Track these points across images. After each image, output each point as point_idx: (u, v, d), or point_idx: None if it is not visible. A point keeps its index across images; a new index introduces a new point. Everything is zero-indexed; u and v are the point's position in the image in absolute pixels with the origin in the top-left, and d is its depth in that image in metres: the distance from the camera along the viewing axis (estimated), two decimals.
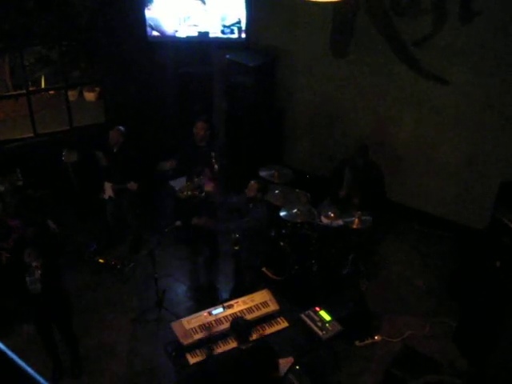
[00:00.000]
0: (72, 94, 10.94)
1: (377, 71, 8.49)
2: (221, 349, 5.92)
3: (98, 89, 11.33)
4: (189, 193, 7.56)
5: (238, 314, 6.16)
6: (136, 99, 9.39)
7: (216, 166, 7.40)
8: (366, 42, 8.43)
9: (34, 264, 5.80)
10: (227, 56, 9.11)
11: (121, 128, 7.80)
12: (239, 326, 5.31)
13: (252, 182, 6.80)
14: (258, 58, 9.08)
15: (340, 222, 7.47)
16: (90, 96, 11.80)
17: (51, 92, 11.54)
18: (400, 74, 8.30)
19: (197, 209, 7.77)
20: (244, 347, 5.23)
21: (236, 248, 7.04)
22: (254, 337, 5.53)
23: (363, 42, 8.46)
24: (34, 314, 6.26)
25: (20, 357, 1.84)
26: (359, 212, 7.36)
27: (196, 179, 7.52)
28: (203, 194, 7.58)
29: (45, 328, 6.32)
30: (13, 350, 1.84)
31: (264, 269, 7.74)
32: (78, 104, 11.25)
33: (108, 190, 7.97)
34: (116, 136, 7.75)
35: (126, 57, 9.10)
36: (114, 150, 7.82)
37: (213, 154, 7.40)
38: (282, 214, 7.51)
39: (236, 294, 7.10)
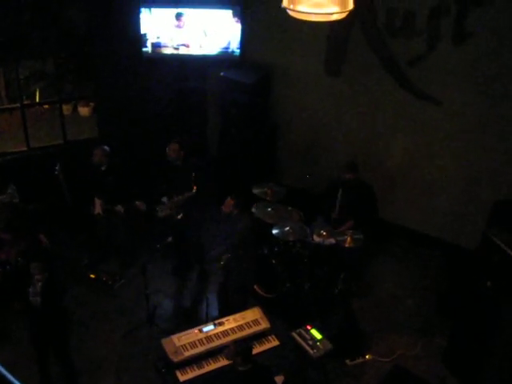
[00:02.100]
0: (66, 109, 10.94)
1: (370, 90, 8.55)
2: (212, 366, 5.91)
3: (92, 104, 11.33)
4: (167, 212, 7.59)
5: (229, 331, 6.16)
6: (130, 114, 9.40)
7: (194, 187, 7.42)
8: (359, 61, 8.51)
9: (36, 277, 5.80)
10: (222, 73, 9.15)
11: (105, 148, 7.79)
12: (245, 348, 5.27)
13: (228, 198, 6.79)
14: (252, 74, 9.11)
15: (332, 241, 7.47)
16: (84, 111, 11.80)
17: (46, 106, 11.54)
18: (393, 94, 8.37)
19: (175, 228, 7.79)
20: (242, 368, 5.19)
21: (222, 263, 7.05)
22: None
23: (357, 61, 8.53)
24: (31, 323, 6.22)
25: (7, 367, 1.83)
26: (351, 231, 7.38)
27: (176, 198, 7.54)
28: (180, 215, 7.59)
29: (40, 340, 6.27)
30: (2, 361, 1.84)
31: (255, 286, 7.74)
32: (73, 118, 11.25)
33: (97, 207, 7.94)
34: (99, 155, 7.73)
35: (121, 72, 9.11)
36: (102, 169, 7.81)
37: (193, 174, 7.42)
38: (275, 231, 7.50)
39: (223, 312, 7.09)
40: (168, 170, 7.70)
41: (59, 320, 6.15)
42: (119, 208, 7.75)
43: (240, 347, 5.24)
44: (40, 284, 5.82)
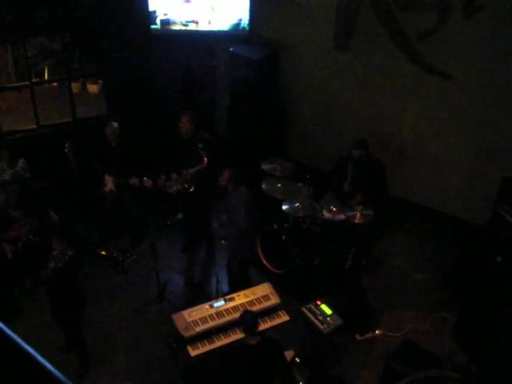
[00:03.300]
0: (75, 86, 10.95)
1: (379, 65, 8.48)
2: (223, 341, 5.94)
3: (101, 81, 11.31)
4: (178, 187, 7.57)
5: (240, 306, 6.17)
6: (138, 92, 9.37)
7: (205, 159, 7.37)
8: (369, 36, 8.42)
9: (53, 253, 5.86)
10: (230, 49, 9.09)
11: (114, 123, 7.78)
12: (248, 320, 5.30)
13: (226, 169, 6.77)
14: (260, 51, 9.05)
15: (342, 217, 7.47)
16: (93, 88, 11.80)
17: (54, 84, 11.53)
18: (403, 69, 8.29)
19: (187, 203, 7.79)
20: (252, 342, 5.22)
21: (223, 242, 7.07)
22: (260, 328, 5.52)
23: (366, 36, 8.45)
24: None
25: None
26: (361, 206, 7.37)
27: (185, 172, 7.51)
28: (192, 188, 7.58)
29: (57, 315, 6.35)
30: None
31: (265, 262, 7.76)
32: (82, 96, 11.24)
33: (109, 183, 7.95)
34: (112, 131, 7.73)
35: (129, 49, 9.07)
36: (113, 144, 7.82)
37: (200, 145, 7.36)
38: (284, 207, 7.54)
39: (232, 287, 7.13)
40: (178, 145, 7.67)
41: (74, 298, 6.20)
42: (134, 180, 7.71)
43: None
44: (60, 262, 5.86)
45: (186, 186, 7.56)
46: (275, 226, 7.65)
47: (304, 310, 6.34)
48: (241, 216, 6.61)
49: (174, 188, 7.57)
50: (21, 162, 7.85)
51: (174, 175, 7.57)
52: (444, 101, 8.13)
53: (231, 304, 6.22)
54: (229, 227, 6.79)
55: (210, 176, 7.37)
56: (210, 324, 6.00)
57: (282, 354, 5.51)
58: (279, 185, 7.89)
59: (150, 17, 8.91)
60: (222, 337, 6.00)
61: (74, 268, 6.08)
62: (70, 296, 6.08)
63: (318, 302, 6.39)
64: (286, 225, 7.67)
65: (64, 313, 6.23)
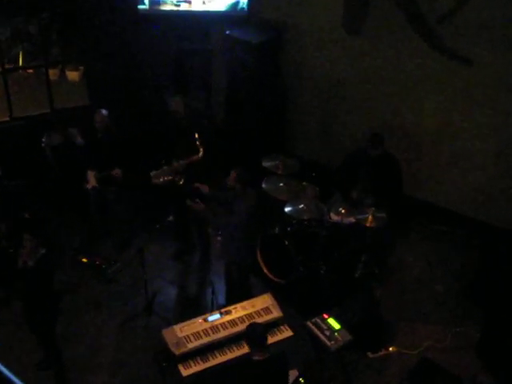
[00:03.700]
0: (53, 73, 10.88)
1: (394, 50, 8.43)
2: (218, 359, 5.88)
3: (81, 67, 11.25)
4: (165, 178, 7.49)
5: (237, 320, 6.12)
6: (124, 79, 9.32)
7: (201, 150, 7.29)
8: (382, 17, 8.37)
9: (23, 250, 5.83)
10: (227, 32, 9.06)
11: (103, 111, 7.74)
12: (257, 333, 5.20)
13: (233, 170, 6.74)
14: (261, 34, 9.06)
15: (352, 220, 7.43)
16: (72, 75, 11.75)
17: (30, 71, 11.49)
18: (420, 54, 8.24)
19: (176, 198, 7.73)
20: (259, 358, 5.13)
21: (219, 239, 7.00)
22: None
23: (380, 17, 8.40)
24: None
25: None
26: (373, 208, 7.31)
27: (175, 164, 7.44)
28: (182, 181, 7.51)
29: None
30: None
31: (266, 270, 7.71)
32: (60, 84, 11.20)
33: (91, 180, 7.90)
34: (101, 119, 7.69)
35: (114, 31, 9.01)
36: (98, 135, 7.76)
37: (196, 134, 7.29)
38: (287, 209, 7.50)
39: (229, 298, 7.08)
40: (171, 134, 7.63)
41: (46, 303, 6.11)
42: (117, 171, 7.67)
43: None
44: (30, 259, 5.80)
45: (175, 178, 7.49)
46: (277, 231, 7.60)
47: (309, 324, 6.28)
48: (246, 220, 6.59)
49: (161, 179, 7.49)
50: None
51: (165, 167, 7.51)
52: (466, 90, 8.08)
53: (228, 318, 6.14)
54: (233, 231, 6.73)
55: (203, 169, 7.34)
56: (204, 340, 5.92)
57: (287, 373, 5.44)
58: (281, 184, 7.83)
59: None
60: (218, 354, 5.94)
61: (47, 267, 5.99)
62: (42, 298, 6.00)
63: (325, 316, 6.33)
64: (288, 229, 7.62)
65: (36, 318, 6.14)
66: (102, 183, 7.88)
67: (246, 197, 6.68)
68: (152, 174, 7.52)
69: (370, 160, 7.54)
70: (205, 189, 6.98)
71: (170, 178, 7.50)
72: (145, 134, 8.61)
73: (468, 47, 7.86)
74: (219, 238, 7.15)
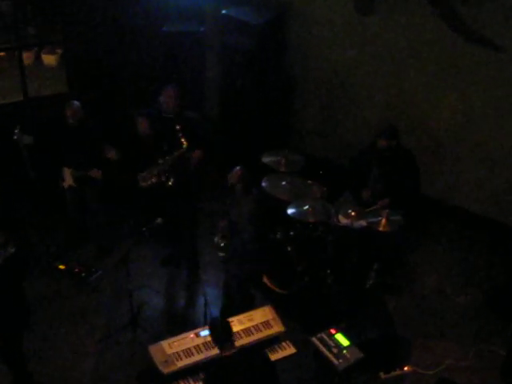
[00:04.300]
0: (27, 57, 10.88)
1: (411, 34, 8.47)
2: None
3: (59, 51, 11.26)
4: (152, 180, 7.52)
5: (234, 335, 6.13)
6: (107, 64, 9.33)
7: (185, 143, 7.31)
8: None
9: None
10: (223, 11, 9.06)
11: (75, 102, 7.74)
12: (217, 328, 5.27)
13: (237, 167, 6.79)
14: (261, 14, 9.05)
15: (363, 223, 7.45)
16: (49, 59, 11.75)
17: (1, 54, 11.49)
18: (441, 39, 8.27)
19: (166, 201, 7.76)
20: (227, 353, 5.19)
21: (222, 254, 7.04)
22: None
23: None
24: None
25: None
26: (387, 211, 7.33)
27: (161, 161, 7.46)
28: (171, 182, 7.53)
29: None
30: None
31: (266, 280, 7.73)
32: (35, 69, 11.19)
33: (68, 178, 7.93)
34: (72, 113, 7.68)
35: (94, 10, 9.02)
36: (71, 128, 7.76)
37: (177, 126, 7.30)
38: (290, 211, 7.48)
39: (226, 312, 7.08)
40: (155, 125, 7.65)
41: (12, 312, 6.10)
42: (95, 172, 7.70)
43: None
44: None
45: (163, 178, 7.51)
46: (279, 235, 7.61)
47: (314, 340, 6.30)
48: (252, 224, 6.65)
49: (149, 182, 7.52)
50: None
51: (153, 167, 7.53)
52: (492, 78, 8.11)
53: None
54: (233, 240, 6.78)
55: (193, 166, 7.41)
56: (196, 358, 5.95)
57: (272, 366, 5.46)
58: (284, 183, 7.86)
59: None
60: None
61: (15, 269, 5.98)
62: (8, 304, 6.00)
63: (333, 331, 6.35)
64: (292, 233, 7.64)
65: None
66: (80, 183, 7.92)
67: (246, 198, 6.74)
68: (139, 176, 7.56)
69: (381, 154, 7.56)
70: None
71: (158, 179, 7.52)
72: (126, 127, 8.60)
73: (496, 31, 7.87)
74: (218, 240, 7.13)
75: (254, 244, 6.90)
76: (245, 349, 5.41)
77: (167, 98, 7.44)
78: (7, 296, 5.98)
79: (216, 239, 6.96)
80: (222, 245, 6.95)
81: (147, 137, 7.56)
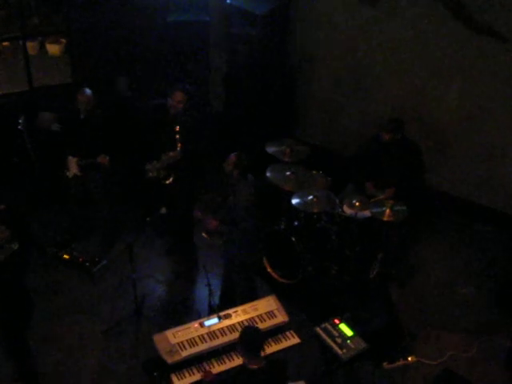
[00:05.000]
0: (32, 47, 10.85)
1: (416, 25, 8.43)
2: (216, 369, 5.89)
3: (64, 40, 11.23)
4: (154, 173, 7.54)
5: (238, 325, 6.13)
6: (111, 54, 9.31)
7: (179, 146, 7.39)
8: None
9: None
10: (228, 1, 9.04)
11: (87, 90, 7.74)
12: (251, 338, 5.23)
13: (232, 154, 6.75)
14: (266, 3, 9.02)
15: (367, 213, 7.45)
16: (53, 49, 11.69)
17: (5, 43, 11.46)
18: (447, 29, 8.23)
19: (165, 195, 7.76)
20: (253, 367, 5.17)
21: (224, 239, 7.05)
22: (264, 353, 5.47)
23: None
24: None
25: None
26: (391, 201, 7.32)
27: (164, 157, 7.48)
28: (170, 178, 7.55)
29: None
30: None
31: (270, 269, 7.73)
32: (40, 59, 11.16)
33: (72, 167, 7.91)
34: (85, 100, 7.68)
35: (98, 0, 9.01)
36: (81, 117, 7.78)
37: (177, 128, 7.37)
38: (294, 201, 7.48)
39: (226, 300, 7.11)
40: (160, 122, 7.67)
41: (16, 307, 6.12)
42: (103, 158, 7.67)
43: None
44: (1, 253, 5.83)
45: (160, 175, 7.54)
46: (282, 226, 7.61)
47: (318, 330, 6.29)
48: (245, 212, 6.61)
49: (150, 174, 7.54)
50: None
51: (163, 157, 7.56)
52: (499, 70, 8.07)
53: (227, 322, 6.17)
54: (231, 227, 6.75)
55: (192, 165, 7.46)
56: (200, 347, 5.94)
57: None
58: (288, 173, 7.81)
59: None
60: (215, 363, 5.96)
61: (17, 265, 5.99)
62: (11, 298, 6.03)
63: (336, 321, 6.34)
64: (296, 223, 7.64)
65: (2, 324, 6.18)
66: (85, 171, 7.91)
67: (244, 185, 6.71)
68: (147, 167, 7.57)
69: (385, 145, 7.55)
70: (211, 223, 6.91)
71: (157, 174, 7.58)
72: (133, 118, 8.59)
73: (504, 21, 7.83)
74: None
75: (253, 232, 6.89)
76: (270, 361, 5.35)
77: (176, 102, 7.49)
78: (11, 291, 6.00)
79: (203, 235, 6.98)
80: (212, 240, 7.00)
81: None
